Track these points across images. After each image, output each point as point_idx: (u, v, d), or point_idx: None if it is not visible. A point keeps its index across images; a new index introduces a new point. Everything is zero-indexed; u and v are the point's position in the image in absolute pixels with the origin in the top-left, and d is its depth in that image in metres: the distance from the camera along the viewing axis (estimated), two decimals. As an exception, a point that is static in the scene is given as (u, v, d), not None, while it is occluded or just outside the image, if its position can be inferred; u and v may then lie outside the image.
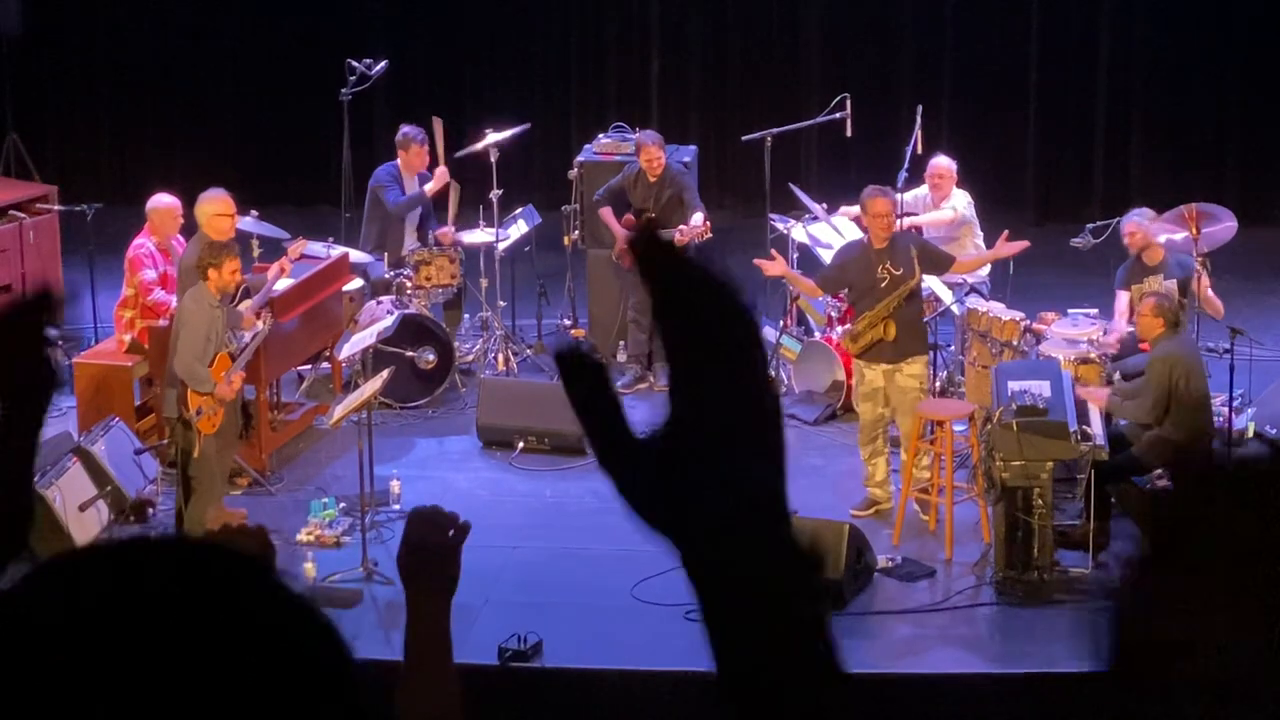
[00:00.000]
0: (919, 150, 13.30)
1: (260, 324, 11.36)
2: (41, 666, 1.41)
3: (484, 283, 13.75)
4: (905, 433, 11.15)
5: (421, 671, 2.94)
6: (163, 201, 12.48)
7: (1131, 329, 11.50)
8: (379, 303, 13.01)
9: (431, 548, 3.02)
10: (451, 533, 3.04)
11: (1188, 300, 11.88)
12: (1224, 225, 12.25)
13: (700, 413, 1.60)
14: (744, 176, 16.24)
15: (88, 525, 10.57)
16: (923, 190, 13.20)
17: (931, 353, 11.90)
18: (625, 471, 1.59)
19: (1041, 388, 10.40)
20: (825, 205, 13.26)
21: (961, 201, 13.07)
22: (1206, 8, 16.65)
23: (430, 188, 13.55)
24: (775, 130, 13.81)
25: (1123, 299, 11.99)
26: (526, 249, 14.16)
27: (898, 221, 11.78)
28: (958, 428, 11.38)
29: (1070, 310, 12.19)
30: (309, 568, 10.38)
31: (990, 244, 12.86)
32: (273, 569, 1.53)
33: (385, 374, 11.18)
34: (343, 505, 11.17)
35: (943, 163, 13.20)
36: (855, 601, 10.10)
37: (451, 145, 13.76)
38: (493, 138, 13.75)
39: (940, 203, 13.16)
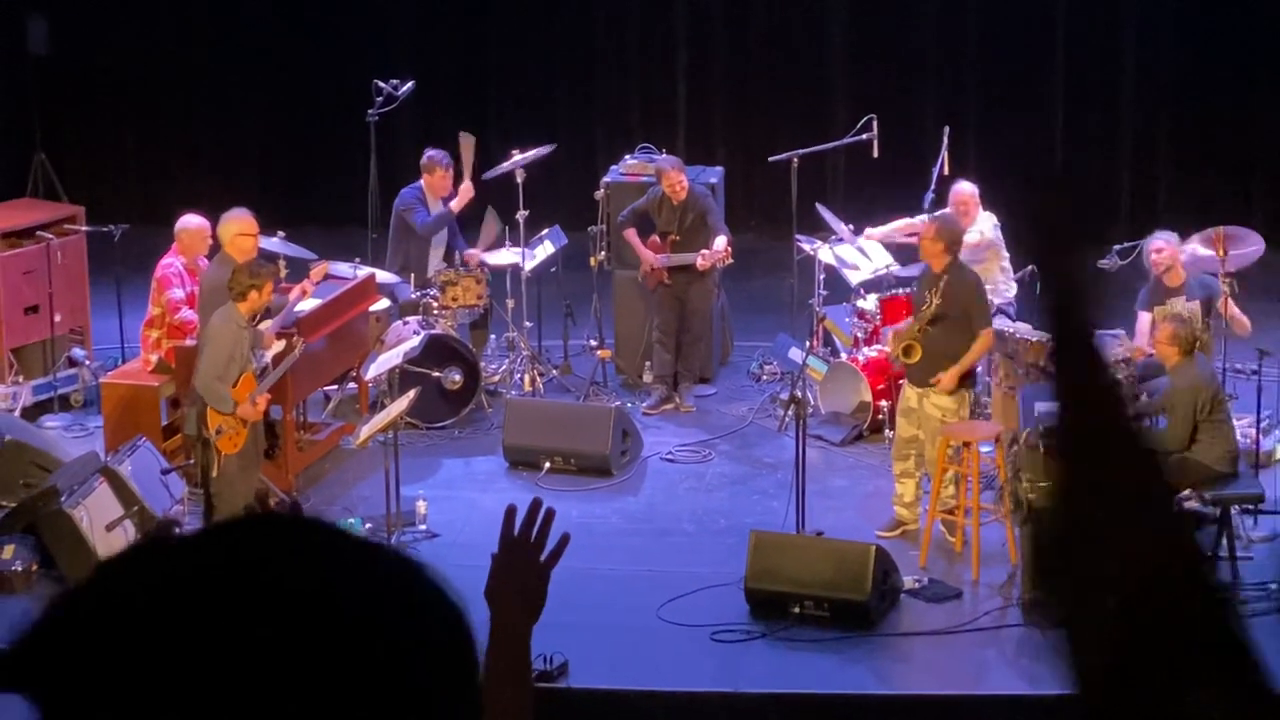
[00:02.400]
0: (946, 171, 13.29)
1: (281, 344, 11.37)
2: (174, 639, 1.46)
3: (510, 303, 13.75)
4: (929, 459, 11.13)
5: (498, 693, 2.95)
6: (192, 222, 12.55)
7: (1153, 352, 11.47)
8: (405, 323, 13.02)
9: (522, 577, 3.05)
10: (544, 558, 3.06)
11: (1212, 320, 11.84)
12: (1252, 248, 12.22)
13: None
14: (770, 198, 16.22)
15: (114, 545, 10.56)
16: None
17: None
18: None
19: (1068, 409, 10.36)
20: (852, 226, 13.25)
21: (988, 224, 13.01)
22: (1233, 28, 16.61)
23: (455, 205, 13.56)
24: (802, 151, 13.81)
25: (1144, 320, 11.95)
26: (553, 270, 14.16)
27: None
28: (984, 449, 11.35)
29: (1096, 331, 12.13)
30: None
31: (1018, 268, 12.85)
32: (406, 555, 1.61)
33: (411, 394, 11.20)
34: (369, 525, 11.16)
35: (964, 189, 13.07)
36: (882, 623, 10.09)
37: (478, 166, 13.76)
38: (519, 158, 13.75)
39: (966, 227, 13.08)
